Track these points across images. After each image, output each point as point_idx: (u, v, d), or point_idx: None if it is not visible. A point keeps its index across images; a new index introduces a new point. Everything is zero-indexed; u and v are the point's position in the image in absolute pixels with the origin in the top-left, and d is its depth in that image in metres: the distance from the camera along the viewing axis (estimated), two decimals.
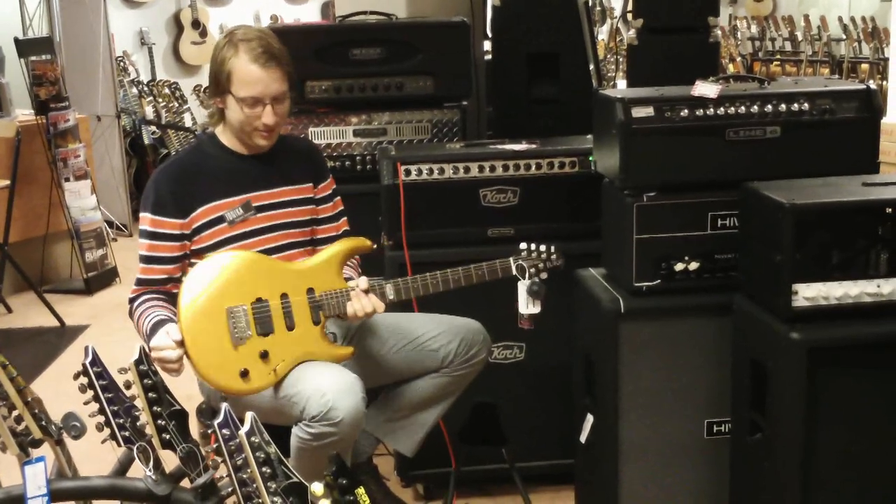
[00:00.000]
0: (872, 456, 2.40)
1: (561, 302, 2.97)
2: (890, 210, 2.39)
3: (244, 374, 2.50)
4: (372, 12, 3.88)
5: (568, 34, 3.67)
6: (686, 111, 2.65)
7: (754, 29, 11.20)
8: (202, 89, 8.24)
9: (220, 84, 2.67)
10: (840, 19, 10.20)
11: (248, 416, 1.60)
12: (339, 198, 2.93)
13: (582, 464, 3.10)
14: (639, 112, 2.65)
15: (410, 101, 3.66)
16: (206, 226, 2.68)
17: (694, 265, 2.71)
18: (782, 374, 2.36)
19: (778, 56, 10.78)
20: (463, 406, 2.99)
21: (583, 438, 2.94)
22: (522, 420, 3.24)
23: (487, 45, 4.26)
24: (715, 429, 2.80)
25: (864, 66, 9.42)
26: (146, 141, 8.14)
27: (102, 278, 6.35)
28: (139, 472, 1.88)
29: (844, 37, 9.80)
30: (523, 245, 2.77)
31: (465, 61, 3.66)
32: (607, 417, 2.79)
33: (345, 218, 2.94)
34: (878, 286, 2.35)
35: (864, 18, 9.74)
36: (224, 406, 1.65)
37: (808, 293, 2.34)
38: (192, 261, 2.69)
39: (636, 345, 2.74)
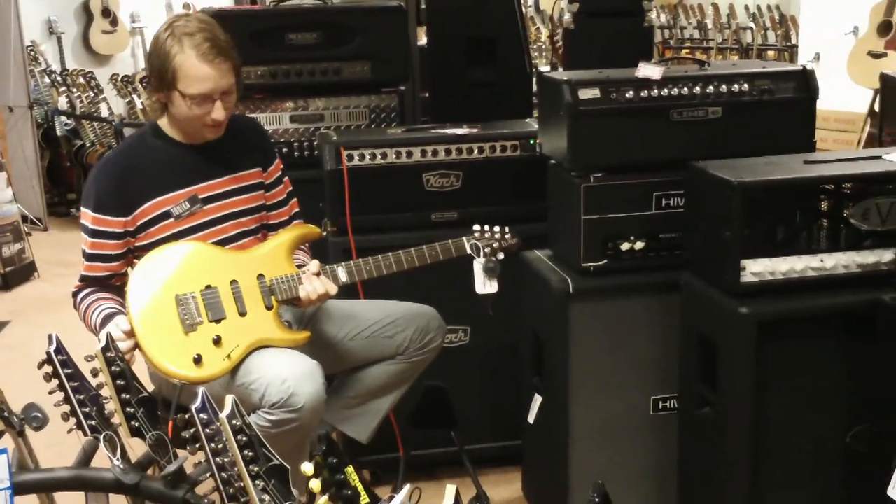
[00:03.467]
0: (821, 427, 2.47)
1: (503, 284, 2.98)
2: (832, 186, 2.47)
3: (197, 360, 2.46)
4: None
5: (504, 18, 3.68)
6: (631, 93, 2.69)
7: (664, 17, 11.39)
8: (119, 78, 8.03)
9: (164, 80, 2.55)
10: (747, 8, 10.44)
11: (229, 398, 1.58)
12: (286, 178, 2.88)
13: (530, 444, 3.13)
14: (585, 94, 2.68)
15: (348, 86, 3.64)
16: (152, 222, 2.63)
17: (640, 244, 2.75)
18: (732, 349, 2.41)
19: (688, 44, 11.00)
20: (412, 390, 2.99)
21: (531, 419, 2.97)
22: (469, 403, 3.25)
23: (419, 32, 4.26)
24: (661, 405, 2.85)
25: (772, 53, 9.66)
26: (59, 132, 7.91)
27: (20, 273, 6.17)
28: (103, 461, 1.84)
29: (752, 25, 10.03)
30: (476, 226, 2.78)
31: (403, 46, 3.66)
32: (557, 397, 2.82)
33: (294, 199, 2.90)
34: (822, 260, 2.42)
35: (769, 7, 9.99)
36: (201, 390, 1.63)
37: (755, 269, 2.39)
38: (139, 255, 2.64)
39: (585, 324, 2.77)
